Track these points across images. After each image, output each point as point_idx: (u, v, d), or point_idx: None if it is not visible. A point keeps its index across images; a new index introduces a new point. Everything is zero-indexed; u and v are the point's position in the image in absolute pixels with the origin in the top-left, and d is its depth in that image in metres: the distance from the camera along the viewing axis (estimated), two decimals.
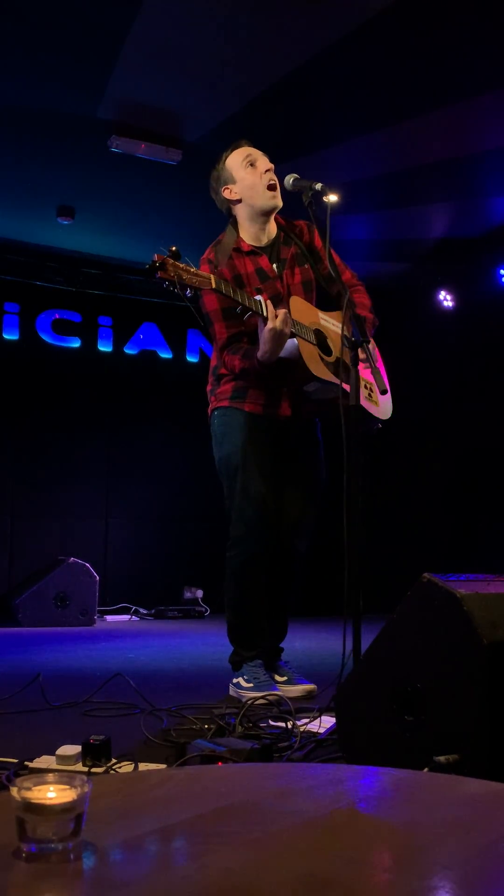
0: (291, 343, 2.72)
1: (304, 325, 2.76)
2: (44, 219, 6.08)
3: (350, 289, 3.00)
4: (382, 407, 2.97)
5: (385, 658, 1.70)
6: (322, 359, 2.77)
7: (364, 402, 2.82)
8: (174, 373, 7.25)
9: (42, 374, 6.80)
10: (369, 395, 2.89)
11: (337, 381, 2.72)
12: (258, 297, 2.68)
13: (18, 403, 6.68)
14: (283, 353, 2.72)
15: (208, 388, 3.04)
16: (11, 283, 6.76)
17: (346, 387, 2.73)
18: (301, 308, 2.83)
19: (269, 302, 2.67)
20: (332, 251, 3.02)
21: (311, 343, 2.76)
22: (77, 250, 6.74)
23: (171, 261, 2.42)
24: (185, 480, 6.98)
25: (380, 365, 3.07)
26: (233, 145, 2.96)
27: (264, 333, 2.63)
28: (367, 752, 1.70)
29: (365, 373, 2.59)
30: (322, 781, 1.22)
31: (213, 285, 2.53)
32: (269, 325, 2.60)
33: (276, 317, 2.61)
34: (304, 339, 2.72)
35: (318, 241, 3.05)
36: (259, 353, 2.68)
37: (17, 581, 6.36)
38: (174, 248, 2.43)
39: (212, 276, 2.54)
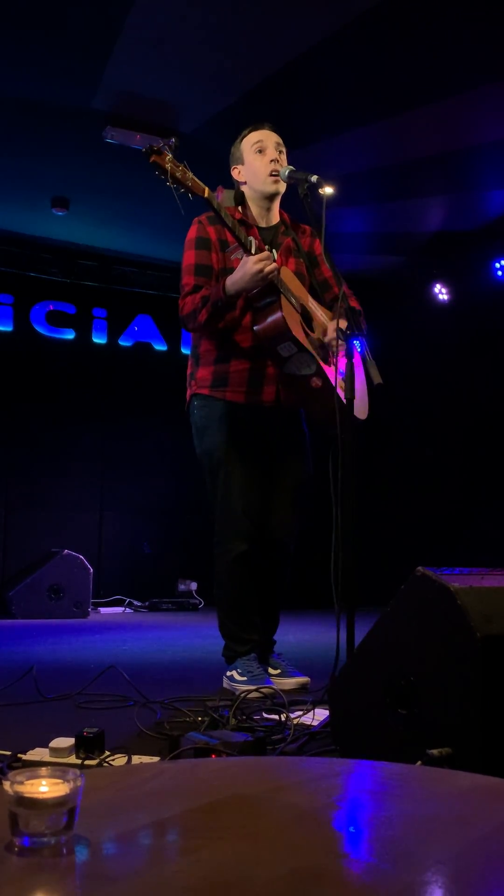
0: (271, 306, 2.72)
1: (292, 292, 2.77)
2: (38, 210, 6.05)
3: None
4: (358, 406, 2.95)
5: (379, 651, 1.71)
6: (302, 327, 2.77)
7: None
8: (169, 365, 7.23)
9: (36, 366, 6.78)
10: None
11: (312, 350, 2.72)
12: (251, 238, 2.71)
13: (12, 395, 6.66)
14: (258, 304, 2.74)
15: (188, 371, 3.02)
16: (5, 274, 6.73)
17: (324, 365, 2.74)
18: (291, 280, 2.84)
19: (259, 243, 2.70)
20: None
21: (295, 309, 2.76)
22: (71, 241, 6.72)
23: (170, 156, 2.47)
24: (180, 473, 6.97)
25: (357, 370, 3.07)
26: (254, 126, 2.98)
27: (244, 262, 2.66)
28: (361, 744, 1.70)
29: (342, 367, 2.59)
30: (315, 775, 1.22)
31: (206, 195, 2.58)
32: (253, 258, 2.63)
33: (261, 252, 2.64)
34: (288, 300, 2.73)
35: (317, 248, 3.06)
36: (228, 278, 2.70)
37: (10, 573, 6.35)
38: (175, 140, 2.49)
39: (206, 187, 2.59)
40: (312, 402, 2.87)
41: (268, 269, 2.63)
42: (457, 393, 6.85)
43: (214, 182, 3.04)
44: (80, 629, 5.02)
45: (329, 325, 2.86)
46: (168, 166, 2.47)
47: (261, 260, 2.62)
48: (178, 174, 2.49)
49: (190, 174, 2.53)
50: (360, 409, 2.94)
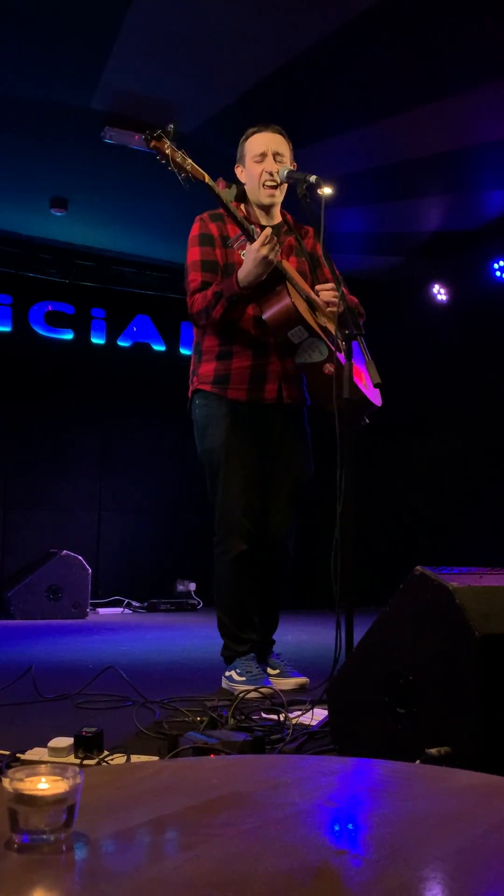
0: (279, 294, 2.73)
1: (297, 282, 2.79)
2: (37, 210, 6.05)
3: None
4: (373, 393, 2.96)
5: (377, 650, 1.71)
6: (310, 314, 2.78)
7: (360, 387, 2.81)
8: (167, 365, 7.23)
9: (34, 367, 6.77)
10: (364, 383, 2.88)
11: (322, 335, 2.72)
12: (253, 226, 2.73)
13: (10, 395, 6.65)
14: (266, 293, 2.74)
15: (191, 367, 3.02)
16: (4, 274, 6.73)
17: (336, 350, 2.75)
18: (295, 274, 2.86)
19: (262, 231, 2.72)
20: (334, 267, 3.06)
21: (301, 297, 2.77)
22: (70, 242, 6.72)
23: (168, 142, 2.56)
24: (179, 473, 6.97)
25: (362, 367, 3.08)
26: (258, 127, 2.97)
27: (249, 252, 2.67)
28: (359, 744, 1.70)
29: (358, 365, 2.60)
30: (314, 773, 1.22)
31: (206, 180, 2.65)
32: (256, 243, 2.64)
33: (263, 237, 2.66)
34: (295, 288, 2.74)
35: (319, 250, 3.07)
36: (240, 271, 2.70)
37: (9, 573, 6.35)
38: (172, 127, 2.58)
39: (206, 174, 2.65)
40: (326, 390, 2.83)
41: (271, 252, 2.64)
42: (456, 393, 6.85)
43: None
44: (78, 629, 5.02)
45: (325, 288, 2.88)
46: (168, 151, 2.56)
47: (263, 244, 2.63)
48: (178, 159, 2.58)
49: (189, 160, 2.60)
50: (375, 396, 2.96)
